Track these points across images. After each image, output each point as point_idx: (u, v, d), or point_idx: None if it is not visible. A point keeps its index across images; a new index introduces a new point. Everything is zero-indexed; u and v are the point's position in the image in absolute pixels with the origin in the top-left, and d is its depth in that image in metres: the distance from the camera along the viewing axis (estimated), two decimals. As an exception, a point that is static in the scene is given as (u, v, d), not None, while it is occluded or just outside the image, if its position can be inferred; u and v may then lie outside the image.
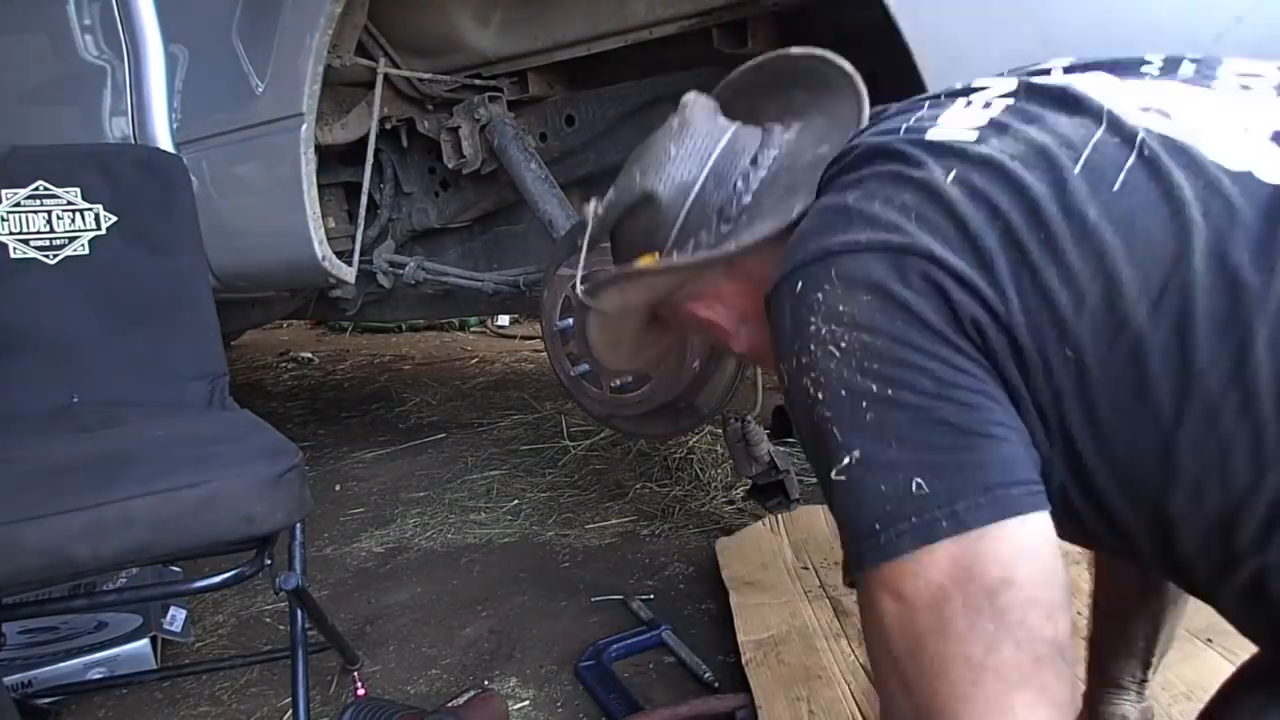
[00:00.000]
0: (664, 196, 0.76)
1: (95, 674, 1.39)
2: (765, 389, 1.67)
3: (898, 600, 0.52)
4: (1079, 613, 1.34)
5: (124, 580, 1.50)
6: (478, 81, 1.80)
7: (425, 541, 1.96)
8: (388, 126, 1.89)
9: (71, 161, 1.54)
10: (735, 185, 0.75)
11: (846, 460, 0.54)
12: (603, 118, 1.71)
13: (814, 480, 2.36)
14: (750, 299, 0.74)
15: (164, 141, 1.88)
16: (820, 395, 0.56)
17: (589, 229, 0.86)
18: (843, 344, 0.55)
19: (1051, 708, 0.49)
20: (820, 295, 0.56)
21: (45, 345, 1.46)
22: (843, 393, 0.55)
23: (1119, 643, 0.95)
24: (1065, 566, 0.53)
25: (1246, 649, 1.18)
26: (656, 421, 1.61)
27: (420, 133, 1.89)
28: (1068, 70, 0.65)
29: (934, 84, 1.09)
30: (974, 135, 0.58)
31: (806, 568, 1.60)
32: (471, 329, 5.04)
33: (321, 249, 1.77)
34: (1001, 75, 0.67)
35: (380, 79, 1.76)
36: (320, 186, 1.77)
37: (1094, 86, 0.60)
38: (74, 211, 1.51)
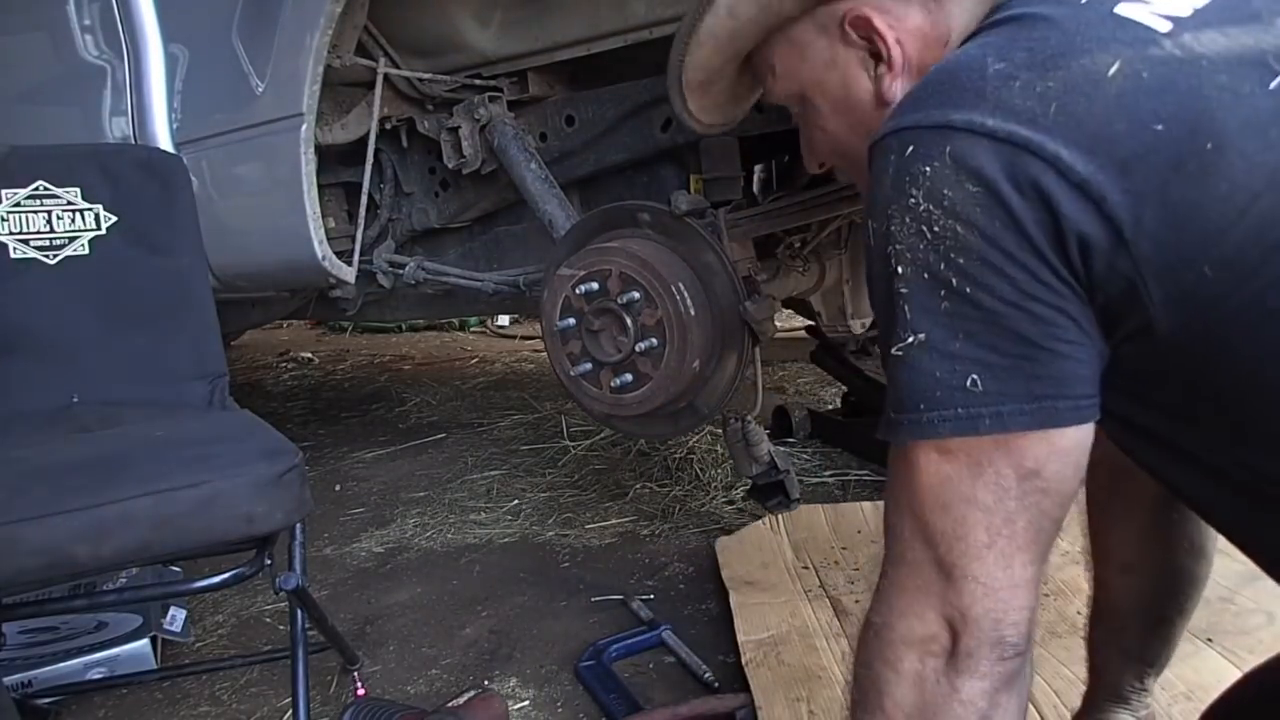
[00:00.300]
0: None
1: (95, 674, 1.39)
2: (765, 389, 1.67)
3: (930, 471, 0.57)
4: (1078, 612, 1.34)
5: (124, 580, 1.50)
6: (478, 81, 1.80)
7: (425, 541, 1.96)
8: (388, 126, 1.89)
9: (71, 161, 1.53)
10: None
11: (911, 340, 0.57)
12: (603, 118, 1.71)
13: (814, 480, 2.36)
14: (923, 47, 0.71)
15: (164, 141, 1.88)
16: (900, 270, 0.57)
17: None
18: (936, 228, 0.55)
19: (1039, 564, 0.58)
20: (929, 169, 0.55)
21: (45, 345, 1.46)
22: (924, 275, 0.56)
23: (1119, 652, 0.94)
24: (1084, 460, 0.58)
25: (1246, 649, 1.18)
26: (656, 421, 1.61)
27: (420, 133, 1.89)
28: None
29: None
30: (1167, 25, 0.54)
31: (806, 568, 1.60)
32: (471, 329, 5.04)
33: (321, 249, 1.77)
34: None
35: (380, 79, 1.75)
36: (320, 186, 1.77)
37: None
38: (74, 211, 1.51)
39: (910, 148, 0.56)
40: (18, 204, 1.48)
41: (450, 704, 1.22)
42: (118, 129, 1.95)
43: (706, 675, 1.31)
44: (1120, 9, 0.56)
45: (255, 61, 1.74)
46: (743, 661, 1.28)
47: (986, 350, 0.54)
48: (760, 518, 1.82)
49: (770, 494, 1.71)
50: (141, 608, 1.47)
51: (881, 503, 1.95)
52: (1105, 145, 0.51)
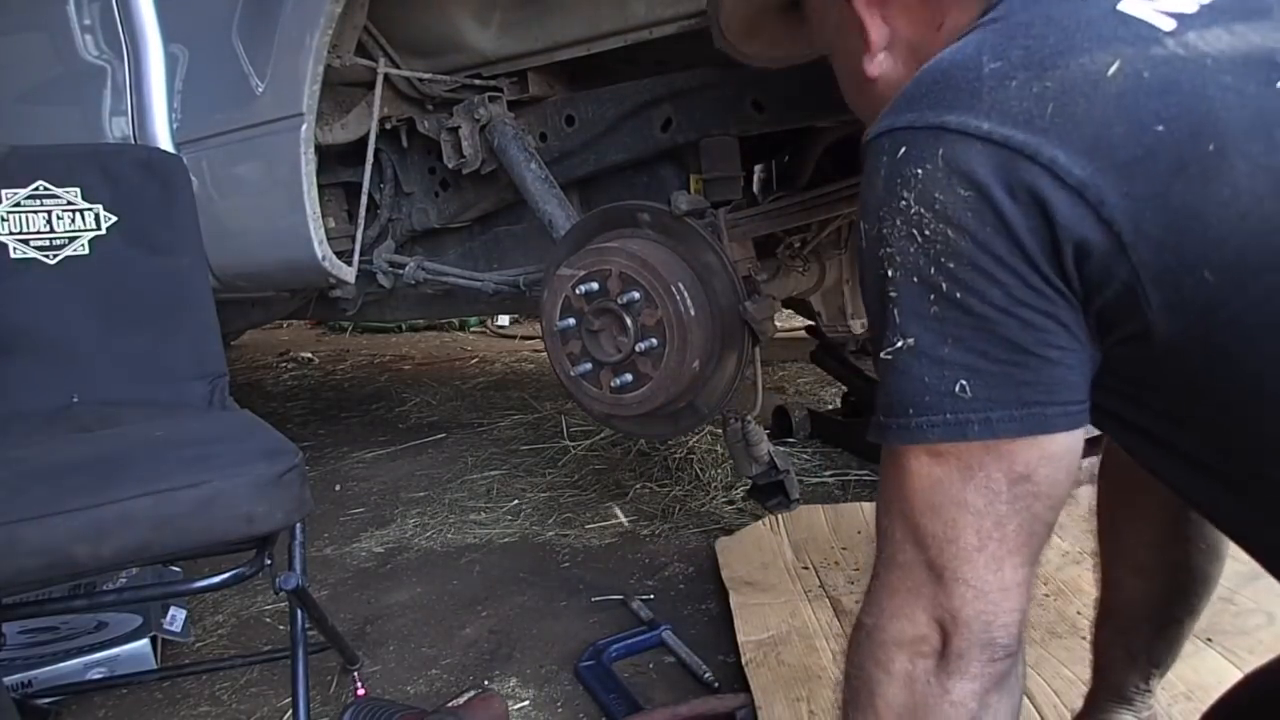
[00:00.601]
0: None
1: (95, 674, 1.39)
2: (765, 389, 1.67)
3: (920, 474, 0.57)
4: (1078, 612, 1.34)
5: (124, 580, 1.50)
6: (478, 81, 1.80)
7: (425, 541, 1.96)
8: (388, 126, 1.89)
9: (71, 161, 1.53)
10: None
11: (899, 344, 0.57)
12: (603, 118, 1.71)
13: (814, 480, 2.36)
14: (915, 28, 0.71)
15: (164, 141, 1.88)
16: (891, 273, 0.56)
17: None
18: (927, 232, 0.54)
19: (1030, 566, 0.58)
20: (920, 172, 0.54)
21: (45, 345, 1.46)
22: (914, 279, 0.55)
23: (1126, 653, 0.94)
24: (1077, 465, 0.58)
25: (1246, 649, 1.18)
26: (656, 421, 1.61)
27: (420, 133, 1.89)
28: None
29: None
30: (1171, 23, 0.52)
31: (806, 568, 1.59)
32: (471, 329, 5.04)
33: (321, 249, 1.77)
34: None
35: (380, 79, 1.75)
36: (320, 186, 1.76)
37: None
38: (74, 211, 1.51)
39: (903, 149, 0.55)
40: (18, 204, 1.48)
41: (450, 704, 1.23)
42: (118, 129, 1.95)
43: (706, 675, 1.31)
44: (1123, 6, 0.54)
45: (255, 61, 1.74)
46: (743, 661, 1.28)
47: (976, 356, 0.54)
48: (760, 518, 1.82)
49: (770, 494, 1.71)
50: (141, 608, 1.47)
51: (881, 503, 1.94)
52: (1104, 148, 0.50)
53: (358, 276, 1.92)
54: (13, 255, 1.47)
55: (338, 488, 2.37)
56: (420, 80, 1.79)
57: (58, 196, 1.50)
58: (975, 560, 0.56)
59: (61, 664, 1.37)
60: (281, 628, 1.57)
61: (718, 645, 1.41)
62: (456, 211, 2.00)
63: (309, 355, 4.49)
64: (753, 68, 1.20)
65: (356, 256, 1.92)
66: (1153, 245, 0.50)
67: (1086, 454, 0.61)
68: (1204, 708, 0.73)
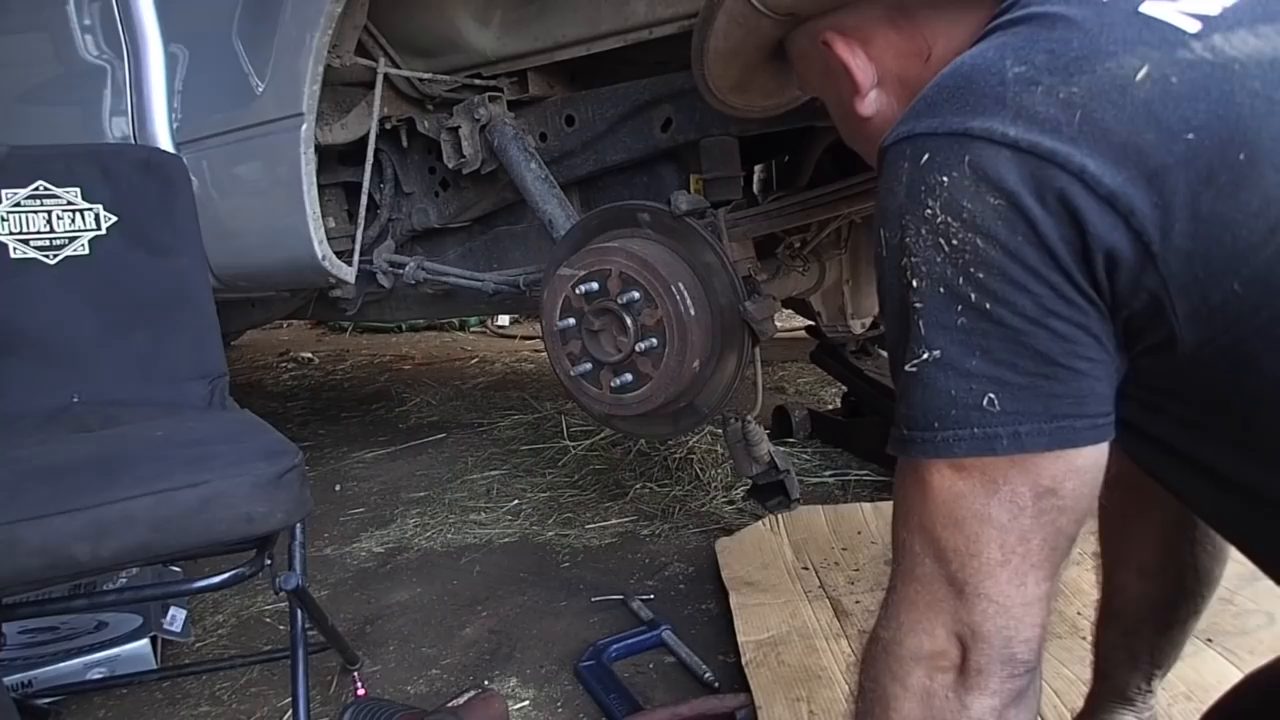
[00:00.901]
0: None
1: (95, 674, 1.39)
2: (765, 389, 1.67)
3: (943, 488, 0.56)
4: (1078, 613, 1.34)
5: (124, 580, 1.50)
6: (478, 81, 1.80)
7: (425, 541, 1.96)
8: (388, 126, 1.89)
9: (71, 161, 1.53)
10: None
11: (925, 356, 0.55)
12: (603, 118, 1.71)
13: (814, 480, 2.36)
14: (902, 62, 0.70)
15: (164, 141, 1.88)
16: (916, 284, 0.55)
17: None
18: (954, 241, 0.53)
19: (1052, 580, 0.57)
20: (946, 180, 0.53)
21: (45, 345, 1.46)
22: (941, 290, 0.54)
23: (1129, 655, 0.94)
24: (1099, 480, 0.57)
25: (1246, 649, 1.18)
26: (656, 421, 1.61)
27: (420, 133, 1.89)
28: None
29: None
30: (1196, 25, 0.51)
31: (806, 568, 1.59)
32: (471, 329, 5.04)
33: (321, 249, 1.77)
34: None
35: (380, 79, 1.75)
36: (320, 186, 1.77)
37: None
38: (74, 211, 1.51)
39: (925, 155, 0.54)
40: (18, 204, 1.48)
41: (450, 704, 1.22)
42: (118, 129, 1.95)
43: (706, 675, 1.31)
44: (1145, 7, 0.53)
45: (255, 61, 1.74)
46: (743, 661, 1.28)
47: (1005, 368, 0.53)
48: (760, 518, 1.82)
49: (770, 494, 1.71)
50: (141, 608, 1.47)
51: (882, 504, 1.96)
52: (1134, 156, 0.49)
53: (358, 276, 1.92)
54: (13, 255, 1.47)
55: (338, 488, 2.37)
56: (420, 80, 1.79)
57: (58, 196, 1.50)
58: (998, 575, 0.55)
59: (61, 664, 1.37)
60: (281, 628, 1.57)
61: (718, 645, 1.41)
62: (456, 211, 2.00)
63: (309, 355, 4.49)
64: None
65: (356, 256, 1.92)
66: (1181, 256, 0.49)
67: None
68: (1204, 708, 0.73)
